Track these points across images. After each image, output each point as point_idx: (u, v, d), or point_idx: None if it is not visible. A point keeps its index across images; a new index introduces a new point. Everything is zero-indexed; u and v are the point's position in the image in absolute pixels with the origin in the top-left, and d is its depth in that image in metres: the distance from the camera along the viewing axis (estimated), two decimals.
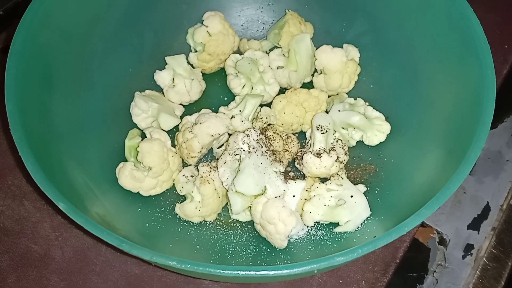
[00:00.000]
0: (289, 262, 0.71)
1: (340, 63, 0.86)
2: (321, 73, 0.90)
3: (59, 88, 0.74)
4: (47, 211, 0.82)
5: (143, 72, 0.91)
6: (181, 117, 0.88)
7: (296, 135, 0.87)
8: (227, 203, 0.78)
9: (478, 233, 0.83)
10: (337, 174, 0.78)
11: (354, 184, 0.77)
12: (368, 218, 0.72)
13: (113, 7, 0.84)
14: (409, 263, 0.79)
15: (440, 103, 0.74)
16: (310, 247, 0.73)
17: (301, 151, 0.82)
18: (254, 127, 0.80)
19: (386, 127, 0.82)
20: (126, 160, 0.81)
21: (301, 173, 0.81)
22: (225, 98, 0.93)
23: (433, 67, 0.77)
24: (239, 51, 0.95)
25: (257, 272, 0.52)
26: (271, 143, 0.79)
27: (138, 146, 0.77)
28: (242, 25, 1.00)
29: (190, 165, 0.83)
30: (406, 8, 0.82)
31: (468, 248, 0.81)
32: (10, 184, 0.84)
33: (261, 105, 0.87)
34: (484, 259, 0.80)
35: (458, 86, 0.71)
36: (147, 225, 0.75)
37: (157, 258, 0.52)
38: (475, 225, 0.83)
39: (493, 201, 0.86)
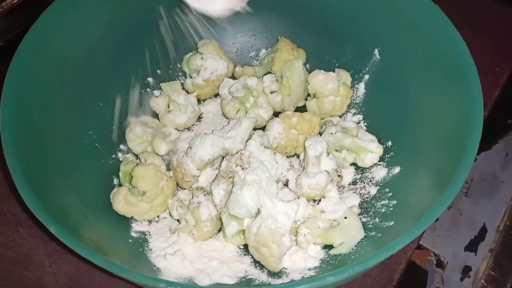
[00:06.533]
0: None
1: (332, 87, 0.88)
2: (313, 97, 0.91)
3: (54, 115, 0.75)
4: (42, 237, 0.81)
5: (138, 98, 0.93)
6: (176, 142, 0.89)
7: (290, 158, 0.87)
8: (221, 226, 0.78)
9: (476, 255, 0.82)
10: (330, 195, 0.78)
11: (348, 206, 0.77)
12: (363, 240, 0.72)
13: (108, 37, 0.86)
14: (406, 287, 0.78)
15: (430, 126, 0.75)
16: None
17: (294, 173, 0.82)
18: (247, 150, 0.81)
19: (379, 149, 0.83)
20: (120, 185, 0.81)
21: (295, 194, 0.81)
22: (220, 123, 0.94)
23: (422, 90, 0.78)
24: (233, 77, 0.97)
25: None
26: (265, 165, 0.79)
27: (132, 171, 0.78)
28: (236, 52, 1.02)
29: (185, 189, 0.83)
30: (394, 34, 0.84)
31: (466, 270, 0.80)
32: (5, 211, 0.84)
33: (255, 129, 0.88)
34: (482, 281, 0.79)
35: (447, 109, 0.72)
36: (140, 250, 0.75)
37: (146, 280, 0.52)
38: (472, 247, 0.83)
39: (489, 223, 0.85)
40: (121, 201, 0.77)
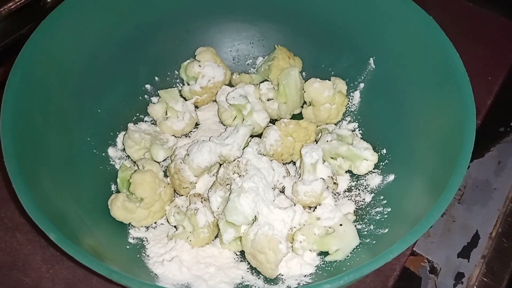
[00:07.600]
0: None
1: (328, 95, 0.89)
2: (309, 105, 0.92)
3: (54, 121, 0.76)
4: (39, 243, 0.82)
5: (137, 105, 0.94)
6: (173, 149, 0.90)
7: (286, 165, 0.88)
8: (218, 232, 0.79)
9: (469, 261, 0.83)
10: (326, 202, 0.79)
11: (343, 213, 0.78)
12: (358, 247, 0.73)
13: (108, 44, 0.87)
14: None
15: (424, 134, 0.76)
16: None
17: (290, 180, 0.83)
18: (244, 157, 0.82)
19: (374, 157, 0.84)
20: (118, 192, 0.82)
21: (291, 201, 0.82)
22: (217, 130, 0.95)
23: (416, 99, 0.80)
24: (230, 84, 0.98)
25: None
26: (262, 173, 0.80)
27: (130, 177, 0.79)
28: (233, 59, 1.03)
29: (182, 195, 0.84)
30: (389, 43, 0.85)
31: (459, 277, 0.81)
32: (3, 216, 0.85)
33: (252, 136, 0.89)
34: (475, 287, 0.80)
35: (441, 117, 0.73)
36: (138, 256, 0.75)
37: (146, 287, 0.53)
38: (465, 253, 0.84)
39: (482, 229, 0.86)
40: (119, 207, 0.77)
